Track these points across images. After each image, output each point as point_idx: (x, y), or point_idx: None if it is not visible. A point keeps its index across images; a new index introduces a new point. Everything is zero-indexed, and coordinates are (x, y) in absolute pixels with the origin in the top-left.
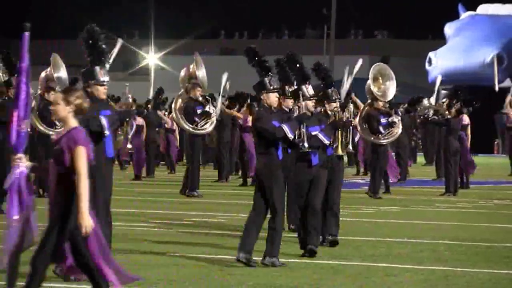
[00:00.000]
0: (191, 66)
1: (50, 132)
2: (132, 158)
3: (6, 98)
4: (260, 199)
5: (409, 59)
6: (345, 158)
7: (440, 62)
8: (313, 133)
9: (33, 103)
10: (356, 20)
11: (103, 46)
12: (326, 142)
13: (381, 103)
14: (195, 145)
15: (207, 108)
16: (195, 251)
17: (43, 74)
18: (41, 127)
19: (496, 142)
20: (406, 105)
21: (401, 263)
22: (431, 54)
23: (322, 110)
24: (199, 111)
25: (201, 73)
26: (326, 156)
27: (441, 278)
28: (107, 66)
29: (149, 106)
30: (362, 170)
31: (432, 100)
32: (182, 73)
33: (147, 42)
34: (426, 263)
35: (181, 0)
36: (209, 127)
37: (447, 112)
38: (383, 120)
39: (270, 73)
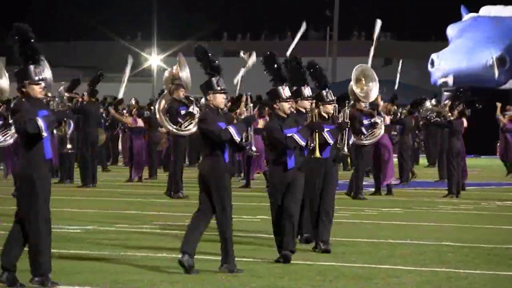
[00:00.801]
0: (175, 67)
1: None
2: (131, 160)
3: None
4: (205, 200)
5: (411, 61)
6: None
7: (443, 63)
8: (289, 135)
9: None
10: (359, 21)
11: (35, 43)
12: (302, 143)
13: (363, 104)
14: (178, 146)
15: (190, 109)
16: (197, 253)
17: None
18: None
19: (498, 144)
20: (408, 106)
21: (404, 265)
22: (433, 56)
23: (316, 112)
24: (182, 112)
25: (185, 74)
26: (303, 159)
27: (443, 280)
28: (43, 64)
29: (152, 107)
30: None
31: (433, 101)
32: (166, 74)
33: (149, 43)
34: (428, 264)
35: (184, 2)
36: (192, 128)
37: (449, 114)
38: (365, 121)
39: (218, 73)
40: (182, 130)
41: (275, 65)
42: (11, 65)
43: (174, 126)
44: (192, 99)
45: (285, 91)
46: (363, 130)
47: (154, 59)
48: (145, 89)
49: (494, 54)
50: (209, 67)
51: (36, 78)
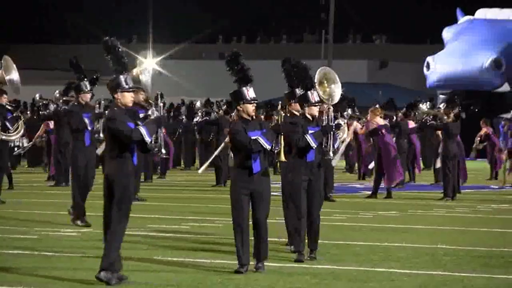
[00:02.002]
0: (134, 71)
1: (3, 137)
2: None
3: (76, 103)
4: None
5: (407, 64)
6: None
7: (438, 66)
8: (253, 138)
9: None
10: (355, 23)
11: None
12: (267, 146)
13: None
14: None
15: (149, 112)
16: (192, 256)
17: None
18: None
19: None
20: (404, 109)
21: (399, 268)
22: (429, 59)
23: (282, 113)
24: (141, 115)
25: (145, 77)
26: (268, 163)
27: (439, 283)
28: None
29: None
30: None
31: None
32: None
33: (145, 46)
34: (424, 268)
35: (180, 5)
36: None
37: (445, 117)
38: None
39: (125, 71)
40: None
41: (239, 66)
42: None
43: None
44: (152, 102)
45: (249, 92)
46: None
47: (149, 62)
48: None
49: (490, 57)
50: (118, 64)
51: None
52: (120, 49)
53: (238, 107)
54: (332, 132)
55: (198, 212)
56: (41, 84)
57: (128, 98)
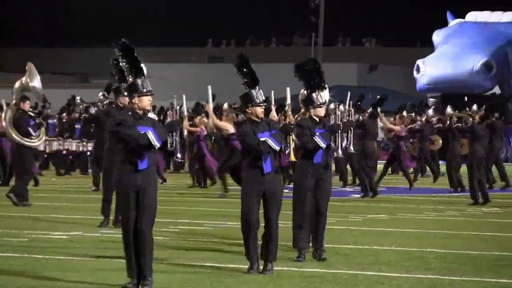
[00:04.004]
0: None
1: (25, 142)
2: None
3: (114, 105)
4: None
5: (397, 67)
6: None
7: (429, 69)
8: (262, 139)
9: (8, 113)
10: (344, 27)
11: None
12: (276, 147)
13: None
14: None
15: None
16: (183, 259)
17: (17, 84)
18: (16, 137)
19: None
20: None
21: (389, 271)
22: (419, 62)
23: (307, 115)
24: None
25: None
26: (278, 163)
27: (429, 286)
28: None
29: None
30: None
31: (341, 107)
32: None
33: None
34: (414, 271)
35: (168, 8)
36: None
37: (471, 119)
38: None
39: (143, 75)
40: (31, 142)
41: (247, 69)
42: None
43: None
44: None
45: (258, 95)
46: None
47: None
48: None
49: (480, 60)
50: (134, 68)
51: (145, 90)
52: (136, 53)
53: (247, 110)
54: (339, 131)
55: (187, 215)
56: None
57: (145, 102)
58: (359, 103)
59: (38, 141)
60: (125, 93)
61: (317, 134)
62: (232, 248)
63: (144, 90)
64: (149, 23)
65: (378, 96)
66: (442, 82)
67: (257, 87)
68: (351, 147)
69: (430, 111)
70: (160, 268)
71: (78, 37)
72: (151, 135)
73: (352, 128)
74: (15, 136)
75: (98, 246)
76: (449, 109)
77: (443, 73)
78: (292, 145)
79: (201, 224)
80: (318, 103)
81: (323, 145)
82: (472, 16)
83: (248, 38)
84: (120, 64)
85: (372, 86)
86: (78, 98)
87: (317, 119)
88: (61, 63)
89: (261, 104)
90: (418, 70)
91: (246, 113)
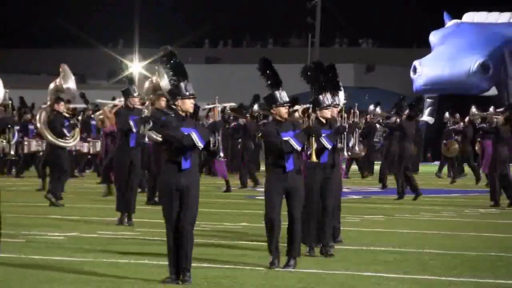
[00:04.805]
0: (154, 78)
1: (60, 143)
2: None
3: (124, 106)
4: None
5: (394, 68)
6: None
7: (425, 70)
8: (285, 139)
9: (43, 115)
10: (341, 27)
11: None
12: (298, 147)
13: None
14: (159, 155)
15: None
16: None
17: (52, 85)
18: (51, 138)
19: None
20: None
21: (386, 272)
22: (416, 63)
23: (314, 116)
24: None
25: (164, 83)
26: (300, 162)
27: (426, 287)
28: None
29: None
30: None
31: (378, 109)
32: (147, 84)
33: (131, 50)
34: (411, 272)
35: (165, 9)
36: None
37: (495, 120)
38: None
39: (186, 78)
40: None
41: (271, 71)
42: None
43: (159, 135)
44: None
45: (282, 96)
46: None
47: (135, 66)
48: None
49: (477, 61)
50: (178, 72)
51: (188, 93)
52: (177, 58)
53: (272, 110)
54: (345, 133)
55: None
56: (27, 88)
57: (188, 105)
58: (400, 105)
59: (73, 142)
60: (135, 94)
61: (323, 135)
62: (231, 249)
63: (187, 93)
64: (146, 23)
65: (417, 97)
66: (439, 83)
67: (280, 88)
68: (356, 148)
69: (447, 114)
70: (155, 270)
71: (74, 37)
72: (194, 136)
73: (357, 129)
74: (50, 137)
75: (95, 246)
76: (473, 109)
77: (440, 74)
78: (314, 146)
79: (198, 224)
80: (325, 104)
81: (328, 146)
82: (469, 16)
83: (245, 39)
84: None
85: (368, 87)
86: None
87: (324, 121)
88: (58, 63)
89: (285, 105)
90: (414, 70)
91: (272, 114)
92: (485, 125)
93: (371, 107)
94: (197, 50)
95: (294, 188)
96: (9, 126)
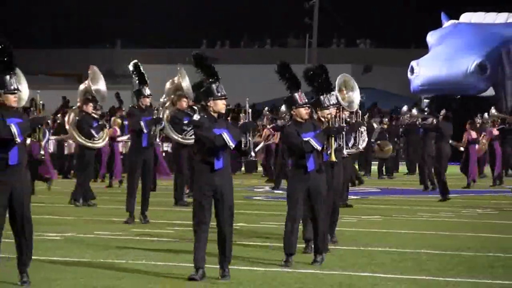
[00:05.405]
0: (176, 78)
1: (88, 144)
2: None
3: (136, 107)
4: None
5: (391, 68)
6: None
7: (423, 70)
8: (305, 139)
9: (71, 115)
10: (339, 28)
11: (12, 53)
12: (318, 147)
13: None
14: (181, 155)
15: (194, 117)
16: (176, 260)
17: (82, 87)
18: (80, 139)
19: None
20: (444, 111)
21: (384, 273)
22: (413, 63)
23: (333, 117)
24: (185, 122)
25: (185, 84)
26: (322, 162)
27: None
28: (17, 73)
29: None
30: None
31: (414, 110)
32: (168, 85)
33: (129, 51)
34: (408, 272)
35: (163, 9)
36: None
37: None
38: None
39: (218, 81)
40: (187, 139)
41: (289, 74)
42: None
43: (179, 135)
44: (196, 108)
45: (301, 97)
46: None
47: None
48: (125, 96)
49: (475, 61)
50: (209, 74)
51: (12, 87)
52: (208, 60)
53: (292, 112)
54: (342, 134)
55: (183, 217)
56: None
57: (220, 105)
58: (428, 107)
59: (102, 143)
60: (146, 94)
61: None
62: None
63: (219, 94)
64: (144, 23)
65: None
66: (436, 83)
67: (299, 90)
68: (359, 147)
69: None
70: (152, 270)
71: (72, 37)
72: (226, 136)
73: (359, 129)
74: (78, 138)
75: (92, 246)
76: (493, 110)
77: (437, 74)
78: (334, 146)
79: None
80: (326, 105)
81: (318, 147)
82: (467, 17)
83: (243, 39)
84: (140, 68)
85: (366, 88)
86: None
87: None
88: (55, 63)
89: (305, 106)
90: (412, 71)
91: (292, 115)
92: (505, 126)
93: (404, 108)
94: (194, 50)
95: (316, 187)
96: (40, 126)
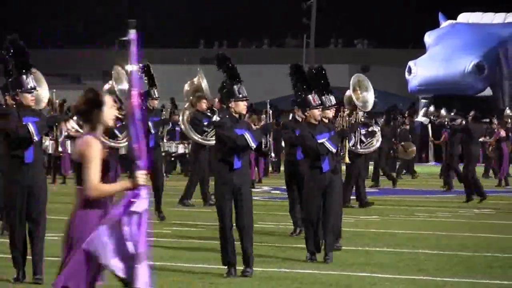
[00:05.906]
0: (195, 79)
1: (112, 144)
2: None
3: (144, 108)
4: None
5: (389, 68)
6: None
7: (420, 71)
8: (320, 141)
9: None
10: (337, 28)
11: (28, 53)
12: (333, 149)
13: (360, 113)
14: (199, 157)
15: (214, 118)
16: (175, 260)
17: (106, 86)
18: (195, 137)
19: None
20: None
21: (381, 273)
22: (411, 63)
23: (347, 118)
24: (205, 123)
25: (204, 85)
26: (336, 163)
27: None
28: (34, 73)
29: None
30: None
31: (443, 111)
32: (187, 86)
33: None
34: (406, 272)
35: (161, 9)
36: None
37: None
38: (362, 131)
39: (240, 82)
40: (208, 140)
41: (302, 76)
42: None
43: (200, 136)
44: (215, 109)
45: (315, 99)
46: (362, 138)
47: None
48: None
49: (472, 61)
50: (231, 75)
51: (29, 87)
52: (230, 61)
53: (306, 113)
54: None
55: (181, 216)
56: None
57: (241, 107)
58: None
59: (124, 142)
60: (155, 96)
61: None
62: None
63: (240, 96)
64: (141, 24)
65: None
66: (434, 83)
67: (313, 92)
68: (358, 147)
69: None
70: (155, 269)
71: (70, 38)
72: (248, 137)
73: (358, 129)
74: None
75: None
76: (508, 111)
77: (435, 75)
78: (348, 147)
79: (195, 225)
80: (327, 106)
81: (333, 149)
82: (464, 17)
83: (241, 40)
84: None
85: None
86: None
87: (326, 121)
88: (53, 64)
89: (318, 107)
90: (409, 71)
91: (306, 116)
92: None
93: (431, 108)
94: (192, 51)
95: (332, 187)
96: (56, 124)
